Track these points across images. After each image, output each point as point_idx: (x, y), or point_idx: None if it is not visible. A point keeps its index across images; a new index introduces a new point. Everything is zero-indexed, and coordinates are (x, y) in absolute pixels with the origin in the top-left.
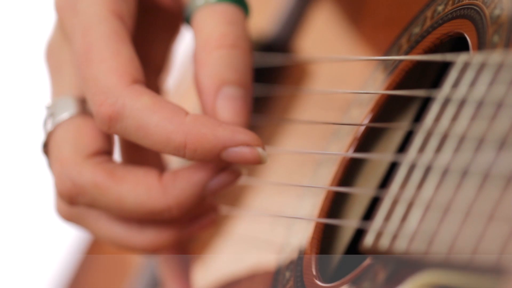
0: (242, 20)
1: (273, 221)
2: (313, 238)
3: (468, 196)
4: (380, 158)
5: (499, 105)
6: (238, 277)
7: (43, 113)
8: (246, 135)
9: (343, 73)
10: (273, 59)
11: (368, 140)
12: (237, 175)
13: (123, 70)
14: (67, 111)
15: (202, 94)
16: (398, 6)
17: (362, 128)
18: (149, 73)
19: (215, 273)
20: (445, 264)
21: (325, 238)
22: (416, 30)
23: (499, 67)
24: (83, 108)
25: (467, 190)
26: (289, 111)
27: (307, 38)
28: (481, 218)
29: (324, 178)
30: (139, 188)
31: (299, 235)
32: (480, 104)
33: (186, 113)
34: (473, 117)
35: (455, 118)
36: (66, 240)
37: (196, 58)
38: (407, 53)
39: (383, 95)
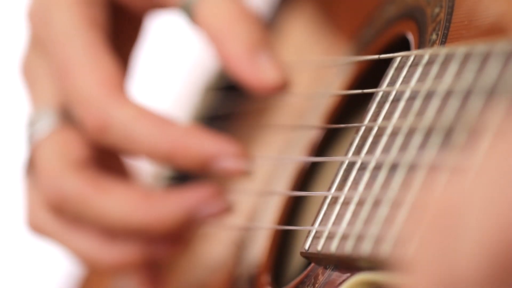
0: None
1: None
2: (267, 245)
3: (395, 190)
4: (321, 160)
5: (427, 98)
6: None
7: (25, 128)
8: (231, 148)
9: (304, 78)
10: None
11: (324, 144)
12: (227, 209)
13: (105, 79)
14: (49, 124)
15: (239, 62)
16: (356, 9)
17: (318, 133)
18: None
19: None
20: (374, 262)
21: (282, 245)
22: (368, 32)
23: (429, 63)
24: (64, 118)
25: (394, 185)
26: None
27: (282, 48)
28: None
29: (281, 185)
30: (125, 201)
31: (257, 244)
32: (410, 99)
33: (173, 123)
34: (404, 112)
35: (389, 115)
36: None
37: (218, 38)
38: (359, 55)
39: (337, 99)
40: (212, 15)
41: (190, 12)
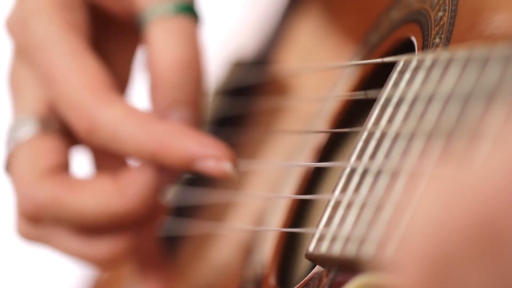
0: (195, 35)
1: (241, 235)
2: (273, 249)
3: (398, 194)
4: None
5: (429, 102)
6: None
7: (6, 135)
8: (215, 149)
9: (311, 85)
10: (255, 75)
11: (331, 149)
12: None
13: (92, 83)
14: (27, 131)
15: (154, 111)
16: (362, 15)
17: (324, 139)
18: None
19: None
20: (376, 265)
21: (289, 248)
22: (374, 37)
23: (431, 67)
24: (44, 126)
25: (397, 189)
26: (265, 126)
27: (288, 51)
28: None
29: (288, 191)
30: (97, 194)
31: (264, 248)
32: (412, 103)
33: (159, 122)
34: (406, 116)
35: (391, 118)
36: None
37: (149, 75)
38: (364, 60)
39: (342, 104)
40: (151, 45)
41: (141, 27)
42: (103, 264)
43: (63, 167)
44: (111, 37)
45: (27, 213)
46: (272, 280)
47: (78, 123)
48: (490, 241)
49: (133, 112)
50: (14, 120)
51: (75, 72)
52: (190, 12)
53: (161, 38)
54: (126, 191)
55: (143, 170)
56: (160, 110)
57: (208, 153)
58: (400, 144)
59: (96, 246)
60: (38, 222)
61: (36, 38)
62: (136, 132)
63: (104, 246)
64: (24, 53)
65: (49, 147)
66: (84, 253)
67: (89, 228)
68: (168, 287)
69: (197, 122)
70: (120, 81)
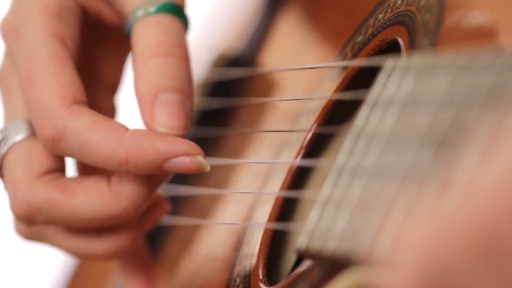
0: (178, 29)
1: (229, 230)
2: (261, 244)
3: (389, 195)
4: (316, 164)
5: (415, 105)
6: (195, 287)
7: None
8: (185, 145)
9: (295, 83)
10: (238, 73)
11: (316, 147)
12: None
13: (64, 92)
14: (19, 134)
15: (140, 103)
16: (348, 16)
17: (309, 137)
18: (101, 93)
19: (177, 285)
20: (368, 262)
21: (276, 243)
22: (359, 38)
23: (416, 70)
24: (33, 130)
25: (390, 189)
26: (249, 123)
27: (272, 52)
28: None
29: (275, 186)
30: (92, 198)
31: (251, 243)
32: (403, 105)
33: (126, 129)
34: (398, 118)
35: (381, 119)
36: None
37: (133, 69)
38: (350, 60)
39: (328, 103)
40: (135, 42)
41: (130, 31)
42: (110, 258)
43: (57, 169)
44: (104, 43)
45: (22, 216)
46: (260, 274)
47: (46, 131)
48: (492, 255)
49: (102, 121)
50: (6, 123)
51: (51, 80)
52: (174, 12)
53: (141, 30)
54: (121, 193)
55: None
56: (146, 97)
57: (180, 150)
58: (390, 145)
59: (97, 243)
60: (33, 224)
61: (23, 43)
62: (105, 140)
63: (105, 244)
64: (13, 57)
65: (43, 149)
66: (82, 251)
67: (86, 228)
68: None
69: (184, 106)
70: (110, 84)
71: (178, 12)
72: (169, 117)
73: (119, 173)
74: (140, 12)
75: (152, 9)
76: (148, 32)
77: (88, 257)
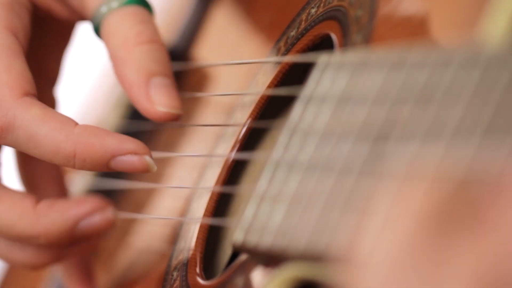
0: (151, 18)
1: (165, 223)
2: (198, 238)
3: (325, 189)
4: (251, 157)
5: (350, 101)
6: (132, 280)
7: None
8: (133, 144)
9: (229, 77)
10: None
11: (251, 141)
12: (110, 222)
13: (14, 83)
14: None
15: (132, 89)
16: (281, 10)
17: (244, 131)
18: (45, 85)
19: (114, 277)
20: (305, 257)
21: (212, 236)
22: (293, 33)
23: (348, 66)
24: None
25: (326, 183)
26: (184, 117)
27: (205, 45)
28: (337, 210)
29: (211, 180)
30: (12, 211)
31: (188, 236)
32: (338, 101)
33: (76, 124)
34: (333, 114)
35: (316, 115)
36: None
37: (116, 58)
38: (284, 56)
39: (262, 97)
40: (113, 34)
41: (98, 26)
42: (32, 268)
43: None
44: (49, 36)
45: None
46: (197, 269)
47: None
48: None
49: (52, 114)
50: None
51: (2, 71)
52: (141, 3)
53: (117, 22)
54: (41, 219)
55: (66, 208)
56: (139, 83)
57: (128, 148)
58: (325, 140)
59: (19, 251)
60: None
61: None
62: (54, 133)
63: (27, 254)
64: None
65: None
66: (4, 256)
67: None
68: None
69: (175, 89)
70: (53, 77)
71: (144, 3)
72: (167, 98)
73: (53, 200)
74: (104, 8)
75: (115, 4)
76: (125, 23)
77: (12, 263)
